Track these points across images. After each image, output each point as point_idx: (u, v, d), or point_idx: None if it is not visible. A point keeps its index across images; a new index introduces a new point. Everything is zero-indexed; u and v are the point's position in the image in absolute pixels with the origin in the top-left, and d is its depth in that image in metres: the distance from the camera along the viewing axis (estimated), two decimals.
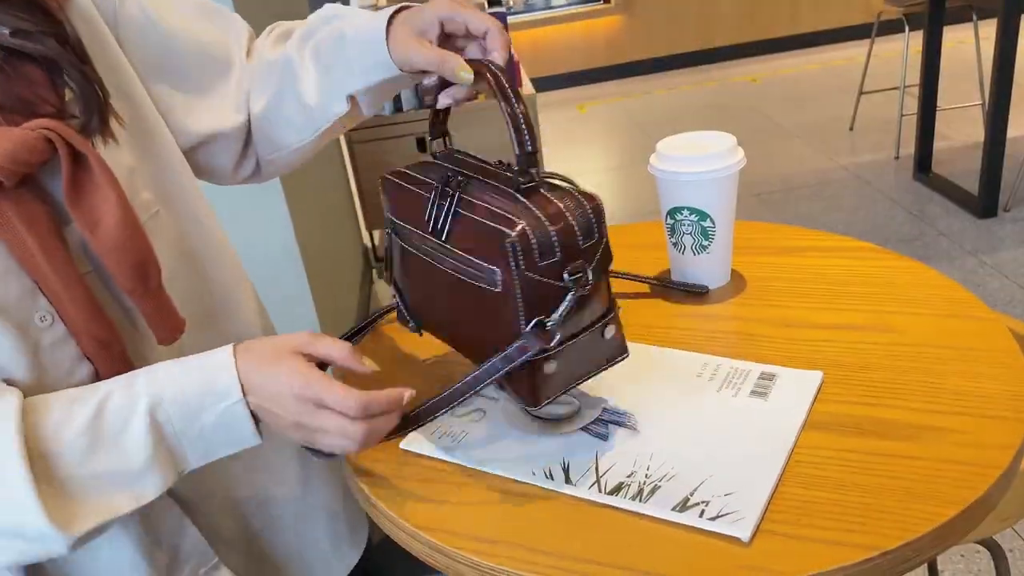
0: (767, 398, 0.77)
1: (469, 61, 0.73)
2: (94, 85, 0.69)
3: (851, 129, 4.12)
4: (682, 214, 0.94)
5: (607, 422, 0.78)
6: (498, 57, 0.73)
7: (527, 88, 3.23)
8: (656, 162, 0.94)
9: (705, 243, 0.95)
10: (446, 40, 0.76)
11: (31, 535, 0.62)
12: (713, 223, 0.93)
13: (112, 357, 0.71)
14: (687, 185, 0.92)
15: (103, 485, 0.64)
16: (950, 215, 3.16)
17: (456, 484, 0.74)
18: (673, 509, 0.66)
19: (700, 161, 0.91)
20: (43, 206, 0.66)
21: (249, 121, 0.89)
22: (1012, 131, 3.01)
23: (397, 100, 3.11)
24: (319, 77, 0.83)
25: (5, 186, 0.63)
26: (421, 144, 3.14)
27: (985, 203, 3.09)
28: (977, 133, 3.75)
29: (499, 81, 0.70)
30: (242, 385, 0.66)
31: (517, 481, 0.72)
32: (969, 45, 4.04)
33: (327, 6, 0.87)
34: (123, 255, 0.68)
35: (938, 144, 3.48)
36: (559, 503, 0.70)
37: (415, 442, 0.79)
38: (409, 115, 3.10)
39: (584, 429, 0.77)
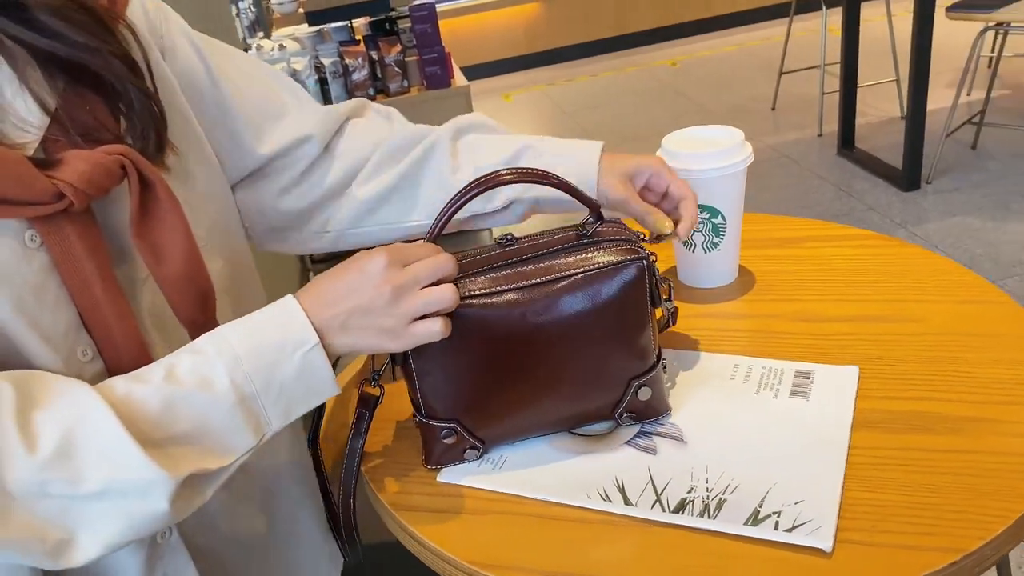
0: (808, 398, 0.76)
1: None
2: (155, 109, 0.67)
3: (773, 109, 4.20)
4: None
5: (651, 434, 0.75)
6: (683, 230, 0.83)
7: (460, 79, 3.17)
8: (664, 159, 0.91)
9: (716, 240, 0.93)
10: (642, 190, 0.86)
11: (133, 488, 0.58)
12: (724, 220, 0.92)
13: None
14: (700, 183, 0.89)
15: (181, 448, 0.61)
16: (877, 189, 3.26)
17: (505, 514, 0.70)
18: (745, 523, 0.64)
19: (712, 158, 0.88)
20: (100, 235, 0.64)
21: (329, 151, 0.88)
22: (929, 104, 3.12)
23: (327, 96, 3.01)
24: (476, 169, 0.84)
25: (72, 210, 0.61)
26: None
27: (909, 176, 3.19)
28: (893, 108, 3.88)
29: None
30: (316, 328, 0.64)
31: (571, 506, 0.69)
32: (877, 23, 4.17)
33: (477, 114, 0.91)
34: (188, 286, 0.66)
35: (858, 120, 3.58)
36: (621, 526, 0.67)
37: (453, 473, 0.74)
38: None
39: (629, 444, 0.74)
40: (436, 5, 3.84)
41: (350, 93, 3.03)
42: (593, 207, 0.74)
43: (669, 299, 0.77)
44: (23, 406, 0.57)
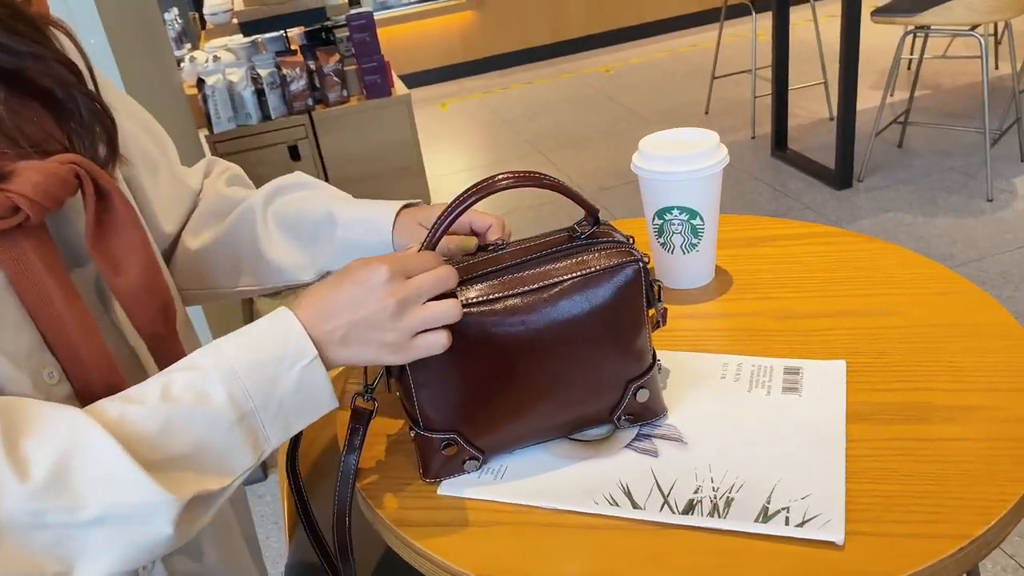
0: (801, 393, 0.77)
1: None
2: (103, 114, 0.64)
3: (706, 113, 4.28)
4: (672, 214, 0.92)
5: (650, 436, 0.75)
6: (495, 231, 0.79)
7: (400, 88, 3.15)
8: (641, 162, 0.92)
9: (695, 241, 0.94)
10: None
11: (136, 512, 0.55)
12: (703, 221, 0.92)
13: None
14: (678, 184, 0.90)
15: (181, 470, 0.58)
16: (811, 189, 3.35)
17: (511, 524, 0.69)
18: (756, 520, 0.64)
19: (690, 159, 0.89)
20: (57, 249, 0.61)
21: (176, 243, 0.87)
22: (857, 105, 3.22)
23: (264, 107, 2.96)
24: (289, 242, 0.84)
25: (29, 224, 0.58)
26: (294, 152, 3.01)
27: (842, 175, 3.29)
28: (822, 110, 4.00)
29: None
30: (314, 341, 0.62)
31: (579, 512, 0.68)
32: (803, 27, 4.30)
33: (297, 174, 0.89)
34: (148, 297, 0.64)
35: (789, 122, 3.68)
36: (630, 531, 0.66)
37: (453, 485, 0.73)
38: (279, 122, 2.96)
39: (629, 447, 0.74)
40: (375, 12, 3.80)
41: (288, 104, 2.98)
42: (591, 211, 0.73)
43: (659, 299, 0.77)
44: (8, 433, 0.54)
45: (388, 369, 0.71)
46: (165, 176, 0.84)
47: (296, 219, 0.84)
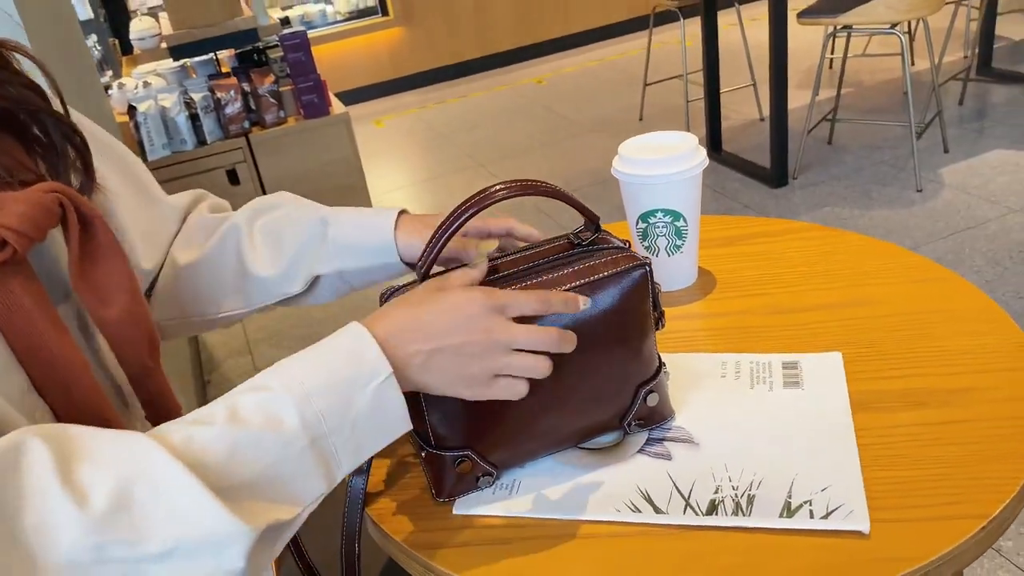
0: (803, 387, 0.78)
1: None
2: (76, 138, 0.61)
3: (641, 119, 4.35)
4: (656, 216, 0.93)
5: (661, 440, 0.75)
6: (525, 232, 0.82)
7: (338, 107, 3.11)
8: (623, 167, 0.92)
9: (679, 243, 0.94)
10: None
11: (207, 545, 0.50)
12: (686, 222, 0.93)
13: None
14: (661, 188, 0.91)
15: (253, 498, 0.53)
16: (749, 188, 3.42)
17: (534, 539, 0.67)
18: (781, 516, 0.64)
19: (671, 162, 0.90)
20: (40, 284, 0.58)
21: (157, 277, 0.84)
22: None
23: (200, 132, 2.89)
24: (276, 253, 0.82)
25: (16, 259, 0.54)
26: (232, 176, 2.94)
27: (777, 174, 3.37)
28: (752, 111, 4.10)
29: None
30: (392, 361, 0.58)
31: (602, 522, 0.67)
32: (729, 30, 4.40)
33: (281, 193, 0.87)
34: (135, 329, 0.61)
35: (723, 124, 3.76)
36: (656, 536, 0.66)
37: (467, 503, 0.71)
38: (215, 147, 2.89)
39: (641, 452, 0.74)
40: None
41: (224, 128, 2.92)
42: (591, 218, 0.73)
43: (656, 303, 0.77)
44: (63, 460, 0.48)
45: None
46: (135, 203, 0.81)
47: (284, 227, 0.82)
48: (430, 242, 0.68)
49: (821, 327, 0.87)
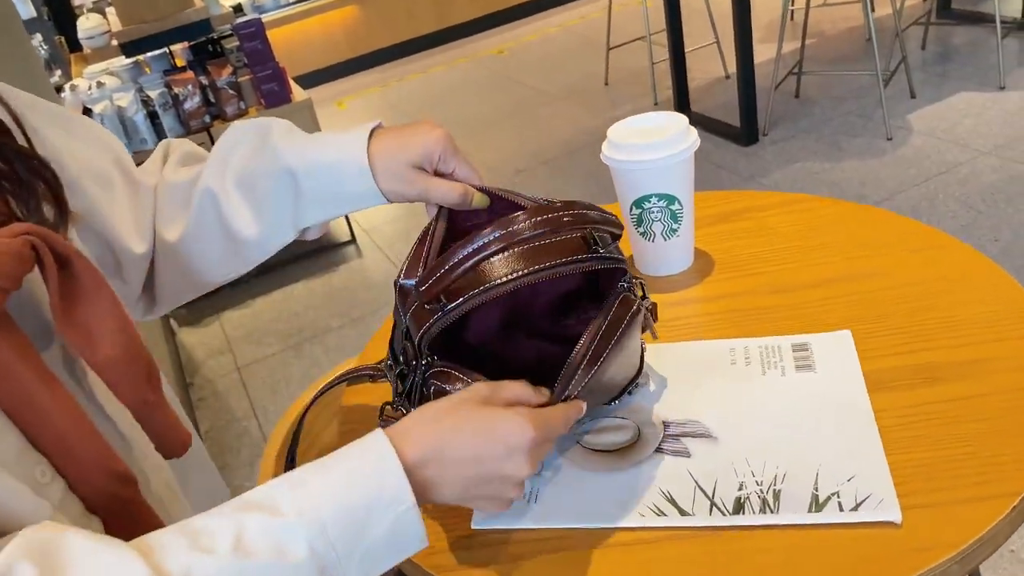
0: (815, 369, 0.77)
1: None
2: (44, 171, 0.58)
3: (606, 84, 4.31)
4: (650, 202, 0.90)
5: (678, 437, 0.73)
6: (480, 198, 0.74)
7: (299, 93, 3.05)
8: (613, 152, 0.90)
9: (675, 226, 0.92)
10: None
11: None
12: (681, 205, 0.91)
13: (124, 502, 0.58)
14: (655, 171, 0.88)
15: None
16: (720, 148, 3.41)
17: (559, 551, 0.66)
18: (810, 511, 0.63)
19: (664, 145, 0.87)
20: (23, 335, 0.54)
21: (154, 251, 0.78)
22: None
23: (159, 130, 2.81)
24: (260, 210, 0.75)
25: None
26: None
27: (747, 132, 3.36)
28: (717, 69, 4.07)
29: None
30: (415, 486, 0.55)
31: (627, 528, 0.66)
32: None
33: (237, 127, 0.78)
34: (132, 365, 0.58)
35: (689, 84, 3.73)
36: (684, 539, 0.64)
37: (484, 518, 0.69)
38: None
39: (659, 451, 0.72)
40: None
41: (184, 123, 2.84)
42: (615, 226, 0.70)
43: (645, 296, 0.74)
44: None
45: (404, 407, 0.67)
46: (121, 187, 0.76)
47: (257, 181, 0.75)
48: (436, 269, 0.63)
49: (826, 304, 0.85)
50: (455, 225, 0.72)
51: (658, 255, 0.95)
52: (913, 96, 3.42)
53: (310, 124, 3.00)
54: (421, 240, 0.70)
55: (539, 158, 3.60)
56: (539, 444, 0.59)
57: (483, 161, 3.70)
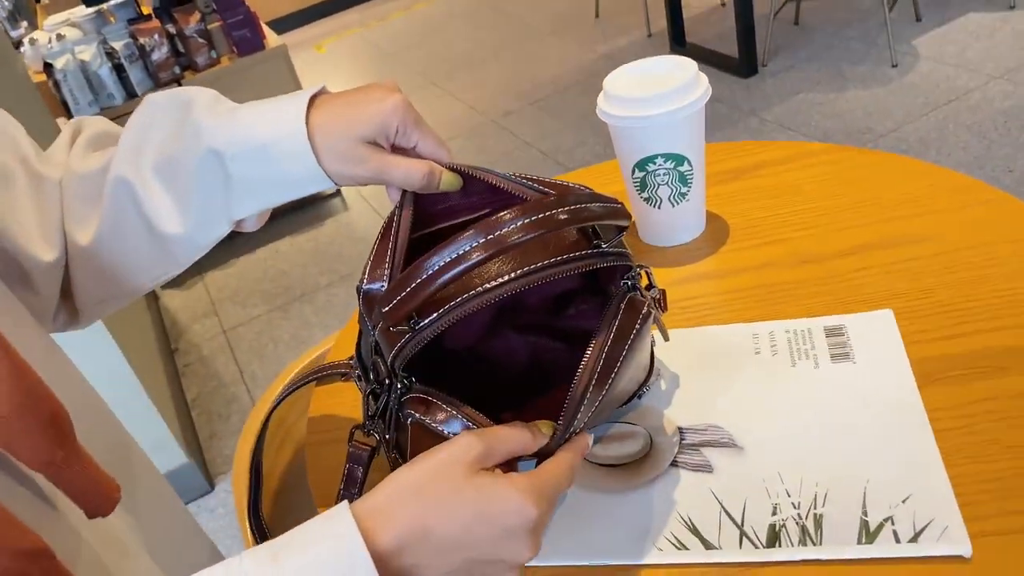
0: (854, 359, 0.66)
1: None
2: None
3: (597, 16, 4.11)
4: (655, 163, 0.78)
5: (697, 447, 0.63)
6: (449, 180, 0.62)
7: (273, 39, 2.88)
8: (611, 107, 0.77)
9: (684, 191, 0.80)
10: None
11: None
12: (691, 165, 0.79)
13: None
14: (660, 129, 0.76)
15: None
16: (719, 81, 3.25)
17: None
18: (860, 543, 0.53)
19: (670, 98, 0.75)
20: None
21: (67, 256, 0.64)
22: None
23: (127, 84, 2.66)
24: (187, 202, 0.62)
25: None
26: None
27: (746, 63, 3.20)
28: None
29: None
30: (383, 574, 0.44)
31: (645, 565, 0.56)
32: None
33: (153, 100, 0.63)
34: (27, 420, 0.45)
35: (683, 14, 3.55)
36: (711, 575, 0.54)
37: None
38: None
39: (675, 465, 0.62)
40: None
41: (153, 76, 2.68)
42: (622, 227, 0.58)
43: (651, 285, 0.63)
44: None
45: (386, 442, 0.57)
46: (23, 185, 0.63)
47: (176, 167, 0.62)
48: (402, 286, 0.50)
49: (861, 276, 0.74)
50: (423, 209, 0.60)
51: (665, 223, 0.83)
52: (919, 19, 3.25)
53: (286, 72, 2.84)
54: (384, 233, 0.58)
55: (528, 98, 3.44)
56: (542, 519, 0.48)
57: (471, 104, 3.54)
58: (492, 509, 0.46)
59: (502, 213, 0.48)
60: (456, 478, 0.46)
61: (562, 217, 0.49)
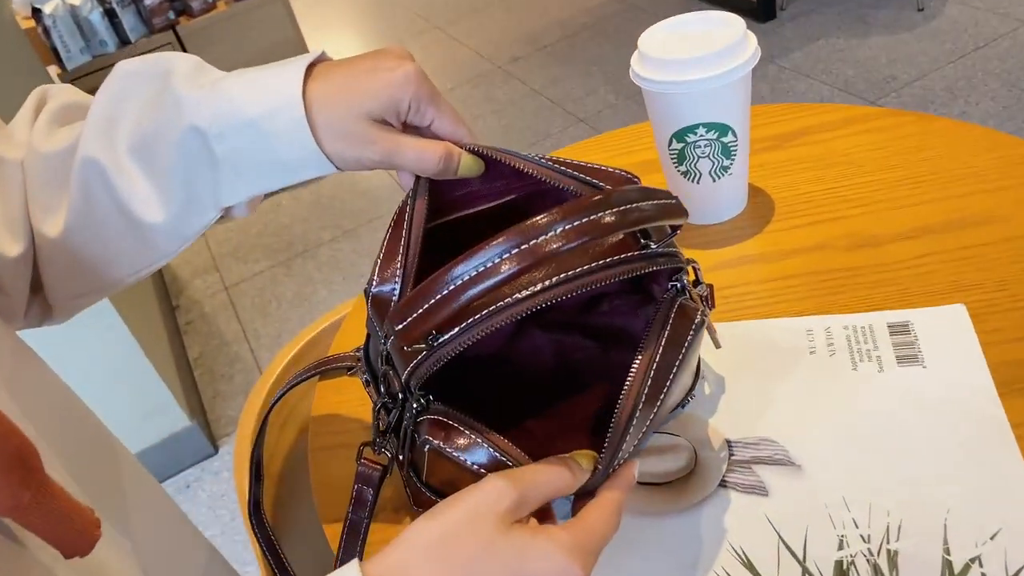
0: (924, 362, 0.59)
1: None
2: None
3: None
4: (696, 133, 0.70)
5: (748, 464, 0.56)
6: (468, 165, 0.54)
7: None
8: (647, 71, 0.69)
9: (727, 164, 0.72)
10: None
11: None
12: (735, 136, 0.71)
13: None
14: (703, 96, 0.68)
15: None
16: None
17: None
18: None
19: (713, 62, 0.66)
20: None
21: (34, 248, 0.56)
22: None
23: (120, 30, 2.55)
24: (156, 185, 0.53)
25: None
26: None
27: (764, 7, 3.07)
28: None
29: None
30: None
31: None
32: None
33: (125, 68, 0.54)
34: None
35: None
36: None
37: None
38: (141, 45, 2.56)
39: (723, 485, 0.55)
40: None
41: (147, 22, 2.57)
42: (675, 226, 0.50)
43: (699, 281, 0.55)
44: None
45: (399, 463, 0.50)
46: None
47: (154, 146, 0.54)
48: (417, 302, 0.43)
49: (926, 264, 0.66)
50: (440, 198, 0.52)
51: (705, 199, 0.75)
52: None
53: (285, 15, 2.72)
54: (395, 226, 0.50)
55: (536, 44, 3.31)
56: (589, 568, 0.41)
57: (476, 50, 3.41)
58: (529, 568, 0.39)
59: (538, 217, 0.41)
60: (487, 533, 0.39)
61: (608, 220, 0.42)
